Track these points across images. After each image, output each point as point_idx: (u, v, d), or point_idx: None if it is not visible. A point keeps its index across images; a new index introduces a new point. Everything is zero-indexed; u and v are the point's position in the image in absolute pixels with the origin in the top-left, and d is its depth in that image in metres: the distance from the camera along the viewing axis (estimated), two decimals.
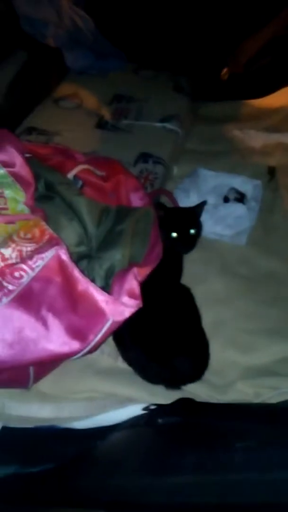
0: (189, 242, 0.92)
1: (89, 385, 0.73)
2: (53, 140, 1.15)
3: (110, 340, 0.78)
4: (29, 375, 0.69)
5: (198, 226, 0.94)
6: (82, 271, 0.66)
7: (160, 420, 0.58)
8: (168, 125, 1.26)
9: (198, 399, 0.69)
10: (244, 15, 1.49)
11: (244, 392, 0.72)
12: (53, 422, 0.70)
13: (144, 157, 1.13)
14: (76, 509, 0.64)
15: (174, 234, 0.90)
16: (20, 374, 0.69)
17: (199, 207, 0.95)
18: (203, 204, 0.95)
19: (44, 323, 0.63)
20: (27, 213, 0.76)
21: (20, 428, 0.71)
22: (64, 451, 0.68)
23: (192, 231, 0.91)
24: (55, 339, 0.62)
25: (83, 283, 0.63)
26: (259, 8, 1.46)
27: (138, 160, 1.13)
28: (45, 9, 1.29)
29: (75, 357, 0.64)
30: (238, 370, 0.76)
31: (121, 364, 0.77)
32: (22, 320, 0.62)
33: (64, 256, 0.64)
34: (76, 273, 0.63)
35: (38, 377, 0.71)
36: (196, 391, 0.72)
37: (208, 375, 0.75)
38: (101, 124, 1.26)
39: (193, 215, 0.95)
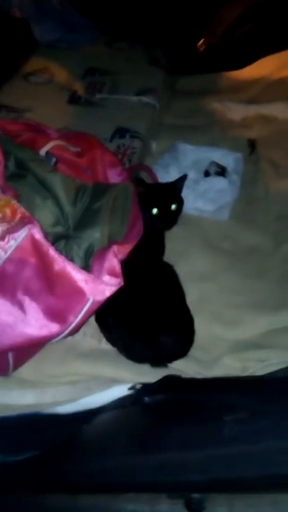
0: (170, 218, 0.89)
1: (72, 369, 0.71)
2: (24, 117, 1.09)
3: (93, 321, 0.76)
4: (8, 361, 0.66)
5: (179, 202, 0.91)
6: (59, 252, 0.63)
7: (146, 399, 0.56)
8: (144, 99, 1.21)
9: (184, 376, 0.67)
10: None
11: (231, 366, 0.71)
12: (36, 408, 0.67)
13: (120, 132, 1.09)
14: (64, 494, 0.63)
15: (155, 210, 0.87)
16: None
17: (180, 182, 0.93)
18: (183, 178, 0.93)
19: (21, 307, 0.60)
20: None
21: (2, 417, 0.69)
22: (49, 437, 0.66)
23: (173, 206, 0.89)
24: (33, 322, 0.60)
25: (60, 263, 0.60)
26: None
27: (115, 135, 1.08)
28: None
29: (55, 339, 0.62)
30: (224, 345, 0.75)
31: (105, 345, 0.75)
32: None
33: (38, 235, 0.60)
34: (52, 252, 0.60)
35: (18, 363, 0.69)
36: (183, 367, 0.71)
37: (194, 351, 0.73)
38: (74, 99, 1.20)
39: (174, 190, 0.92)
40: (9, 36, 1.31)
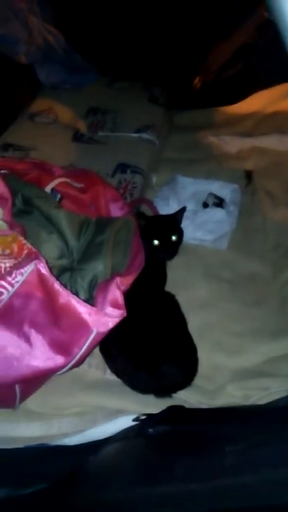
0: (171, 249, 0.92)
1: (77, 400, 0.72)
2: (30, 155, 1.15)
3: (97, 352, 0.77)
4: (16, 394, 0.68)
5: (179, 232, 0.94)
6: (64, 284, 0.65)
7: (150, 430, 0.57)
8: (144, 135, 1.27)
9: (187, 406, 0.68)
10: (213, 24, 1.52)
11: (233, 395, 0.71)
12: (43, 440, 0.68)
13: (122, 167, 1.14)
14: None
15: (156, 242, 0.91)
16: (6, 393, 0.68)
17: (179, 214, 0.96)
18: (182, 210, 0.96)
19: (27, 340, 0.62)
20: (5, 229, 0.75)
21: (9, 449, 0.70)
22: (57, 469, 0.67)
23: (173, 237, 0.92)
24: (39, 355, 0.61)
25: (64, 296, 0.62)
26: (227, 17, 1.49)
27: (116, 170, 1.13)
28: (14, 26, 1.29)
29: (60, 371, 0.63)
30: (227, 373, 0.76)
31: (110, 376, 0.76)
32: (4, 338, 0.61)
33: (44, 270, 0.63)
34: (57, 286, 0.63)
35: (25, 395, 0.70)
36: (186, 397, 0.72)
37: (197, 380, 0.74)
38: (77, 137, 1.26)
39: (174, 221, 0.95)
40: (15, 81, 1.39)
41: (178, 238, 0.93)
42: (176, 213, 0.96)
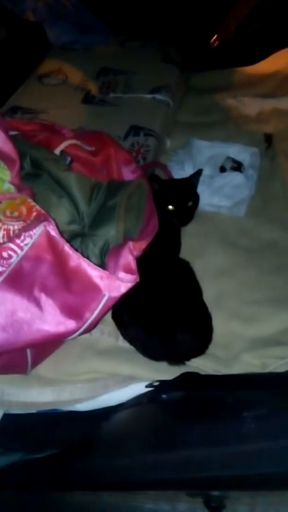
0: (187, 214, 0.89)
1: (90, 366, 0.71)
2: (39, 118, 1.10)
3: (110, 319, 0.75)
4: (27, 359, 0.67)
5: (195, 197, 0.90)
6: (75, 249, 0.63)
7: (164, 396, 0.56)
8: (158, 96, 1.21)
9: (202, 373, 0.66)
10: None
11: (250, 363, 0.69)
12: (55, 406, 0.68)
13: (134, 129, 1.09)
14: (84, 492, 0.63)
15: (171, 207, 0.87)
16: (17, 358, 0.66)
17: (195, 177, 0.92)
18: (198, 173, 0.92)
19: (37, 304, 0.60)
20: (13, 192, 0.72)
21: (23, 415, 0.70)
22: (69, 435, 0.66)
23: (189, 202, 0.88)
24: (49, 319, 0.60)
25: (75, 259, 0.60)
26: None
27: (129, 133, 1.08)
28: None
29: (72, 336, 0.62)
30: (243, 342, 0.73)
31: (122, 343, 0.74)
32: (14, 302, 0.59)
33: (53, 232, 0.60)
34: (67, 248, 0.60)
35: (36, 361, 0.69)
36: (201, 365, 0.70)
37: (212, 348, 0.72)
38: (88, 99, 1.21)
39: (189, 186, 0.91)
40: (24, 40, 1.32)
41: (194, 203, 0.89)
42: (192, 176, 0.92)
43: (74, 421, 0.67)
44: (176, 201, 0.87)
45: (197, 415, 0.48)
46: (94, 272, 0.60)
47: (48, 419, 0.69)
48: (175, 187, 0.90)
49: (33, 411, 0.69)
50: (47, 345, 0.69)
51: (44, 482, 0.61)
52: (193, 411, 0.50)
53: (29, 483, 0.67)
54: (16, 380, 0.69)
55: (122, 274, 0.63)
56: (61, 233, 0.62)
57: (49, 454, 0.64)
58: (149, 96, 1.21)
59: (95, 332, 0.74)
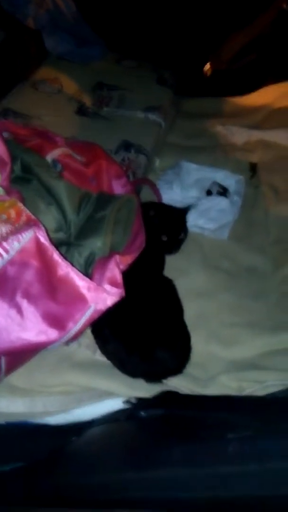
0: (177, 245, 0.91)
1: (64, 379, 0.69)
2: (31, 124, 1.10)
3: (88, 332, 0.74)
4: (1, 367, 0.64)
5: (186, 230, 0.93)
6: (64, 257, 0.62)
7: (143, 413, 0.54)
8: (151, 116, 1.23)
9: (181, 392, 0.66)
10: (230, 11, 1.48)
11: (227, 385, 0.69)
12: (26, 417, 0.65)
13: (125, 145, 1.10)
14: (54, 508, 0.60)
15: (165, 238, 0.89)
16: None
17: (187, 209, 0.94)
18: (189, 208, 0.95)
19: (19, 310, 0.58)
20: (2, 194, 0.71)
21: None
22: (38, 448, 0.64)
23: (181, 235, 0.91)
24: (30, 327, 0.58)
25: (64, 268, 0.59)
26: (245, 5, 1.45)
27: (120, 148, 1.09)
28: None
29: (52, 346, 0.60)
30: (220, 364, 0.74)
31: (99, 357, 0.73)
32: None
33: (43, 239, 0.59)
34: (56, 256, 0.59)
35: (10, 369, 0.66)
36: (178, 384, 0.69)
37: (190, 368, 0.72)
38: (82, 111, 1.21)
39: (183, 218, 0.94)
40: (22, 44, 1.32)
41: (185, 235, 0.92)
42: (185, 209, 0.94)
43: (44, 434, 0.65)
44: (170, 233, 0.89)
45: (178, 434, 0.47)
46: (81, 283, 0.59)
47: (17, 431, 0.66)
48: (171, 218, 0.92)
49: (1, 421, 0.66)
50: (23, 354, 0.67)
51: (11, 496, 0.58)
52: (173, 430, 0.49)
53: None
54: None
55: (108, 287, 0.63)
56: (51, 240, 0.61)
57: (16, 468, 0.61)
58: (142, 114, 1.23)
59: (73, 343, 0.72)
